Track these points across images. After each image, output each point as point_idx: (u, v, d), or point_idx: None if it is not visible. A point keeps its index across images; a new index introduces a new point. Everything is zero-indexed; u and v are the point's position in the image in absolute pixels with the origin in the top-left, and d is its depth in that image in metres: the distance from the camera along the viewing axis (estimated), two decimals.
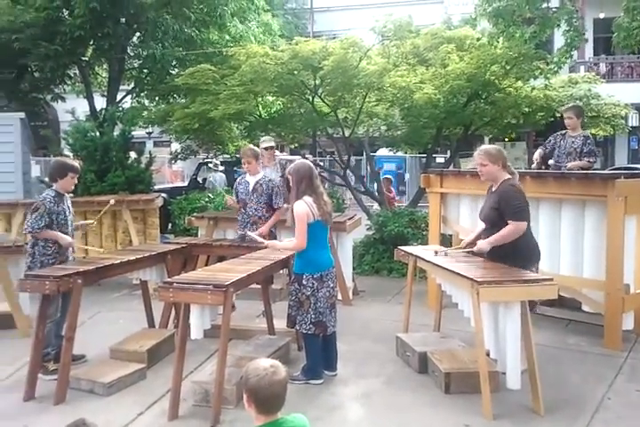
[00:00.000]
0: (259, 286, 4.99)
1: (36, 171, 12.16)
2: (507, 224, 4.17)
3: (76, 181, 4.92)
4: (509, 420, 3.72)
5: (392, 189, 12.52)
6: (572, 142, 6.24)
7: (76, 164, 4.88)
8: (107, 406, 4.01)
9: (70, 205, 4.91)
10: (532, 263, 4.33)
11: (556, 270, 5.12)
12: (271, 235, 5.87)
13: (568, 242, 5.12)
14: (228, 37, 12.19)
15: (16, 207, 7.12)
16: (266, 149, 6.96)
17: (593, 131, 9.62)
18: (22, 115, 8.45)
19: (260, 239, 4.75)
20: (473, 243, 4.51)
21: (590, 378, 4.34)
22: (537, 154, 6.60)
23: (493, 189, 4.38)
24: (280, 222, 5.87)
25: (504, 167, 4.31)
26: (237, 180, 6.08)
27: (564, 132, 6.40)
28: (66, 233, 4.72)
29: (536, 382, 3.79)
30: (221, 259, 5.53)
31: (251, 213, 5.78)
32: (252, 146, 6.21)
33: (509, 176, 4.32)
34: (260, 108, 9.53)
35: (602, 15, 16.07)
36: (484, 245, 4.24)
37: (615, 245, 4.78)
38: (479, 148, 4.47)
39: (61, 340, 4.47)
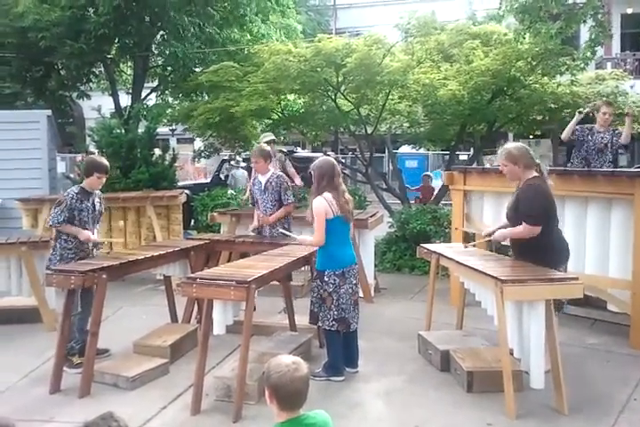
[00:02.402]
0: (279, 283, 5.01)
1: (61, 167, 12.33)
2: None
3: (104, 181, 4.90)
4: (533, 419, 3.68)
5: (432, 186, 12.46)
6: (602, 138, 6.20)
7: (106, 163, 4.88)
8: (130, 399, 4.05)
9: (98, 203, 4.92)
10: (562, 264, 4.24)
11: (582, 269, 5.05)
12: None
13: (594, 240, 5.05)
14: (249, 36, 12.24)
15: (42, 203, 7.23)
16: (267, 143, 7.05)
17: (619, 128, 9.49)
18: (49, 112, 8.57)
19: (293, 235, 4.75)
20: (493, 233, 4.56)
21: (616, 378, 4.28)
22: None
23: (520, 185, 4.32)
24: (300, 219, 5.89)
25: (527, 168, 4.16)
26: (251, 180, 6.15)
27: (590, 126, 6.34)
28: (88, 230, 4.74)
29: (560, 381, 3.75)
30: (243, 255, 5.55)
31: (264, 211, 5.83)
32: (262, 145, 6.24)
33: (535, 174, 4.16)
34: (282, 106, 9.54)
35: (629, 10, 15.83)
36: (498, 235, 4.29)
37: None
38: (503, 146, 4.41)
39: (85, 334, 4.53)
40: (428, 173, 14.04)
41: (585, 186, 5.05)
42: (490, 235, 4.53)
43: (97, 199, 4.92)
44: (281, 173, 6.01)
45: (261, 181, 5.85)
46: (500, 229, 4.47)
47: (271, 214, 5.76)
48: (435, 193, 12.54)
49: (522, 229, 4.11)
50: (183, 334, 4.92)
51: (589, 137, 6.29)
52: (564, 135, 6.69)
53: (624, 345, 4.88)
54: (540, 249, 4.11)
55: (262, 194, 5.81)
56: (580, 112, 6.56)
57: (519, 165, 4.16)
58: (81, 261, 4.63)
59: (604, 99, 7.32)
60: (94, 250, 4.97)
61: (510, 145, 4.39)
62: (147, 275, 6.16)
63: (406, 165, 18.49)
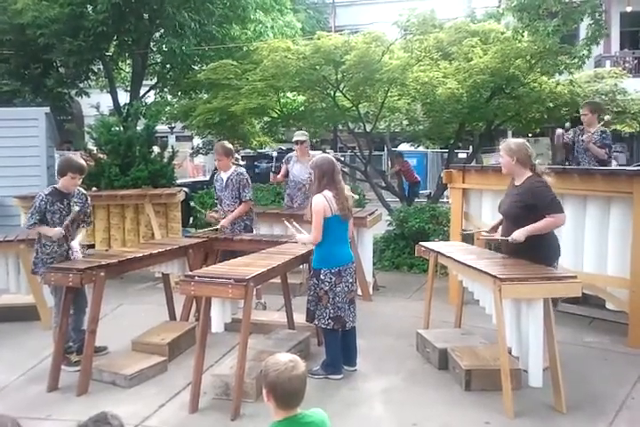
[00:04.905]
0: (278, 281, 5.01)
1: None
2: (532, 220, 4.11)
3: (79, 182, 4.67)
4: (530, 418, 3.68)
5: (406, 163, 12.47)
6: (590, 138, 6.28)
7: (81, 163, 4.63)
8: (128, 397, 4.05)
9: (77, 203, 4.68)
10: (555, 260, 4.31)
11: (580, 268, 5.06)
12: (247, 228, 5.90)
13: (592, 239, 5.05)
14: (249, 33, 12.23)
15: None
16: (297, 142, 6.99)
17: (619, 127, 9.50)
18: (47, 109, 8.53)
19: (296, 230, 4.62)
20: (496, 228, 4.55)
21: (614, 377, 4.28)
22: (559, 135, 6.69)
23: (517, 184, 4.32)
24: (299, 217, 5.88)
25: (521, 164, 4.23)
26: (215, 177, 6.18)
27: (582, 127, 6.51)
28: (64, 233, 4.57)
29: (558, 380, 3.75)
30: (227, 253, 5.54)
31: (225, 208, 5.90)
32: (224, 142, 6.18)
33: (531, 174, 4.23)
34: (281, 104, 9.53)
35: (629, 9, 15.76)
36: (519, 234, 4.10)
37: None
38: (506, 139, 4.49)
39: (82, 334, 4.53)
40: (397, 150, 14.15)
41: (584, 184, 5.05)
42: (494, 230, 4.56)
43: (75, 200, 4.68)
44: (242, 171, 6.02)
45: (223, 178, 5.91)
46: (498, 225, 4.52)
47: (231, 212, 5.82)
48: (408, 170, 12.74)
49: (551, 221, 4.08)
50: (181, 332, 4.92)
51: (579, 137, 6.46)
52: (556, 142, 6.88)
53: (622, 344, 4.88)
54: (541, 244, 4.15)
55: (223, 191, 5.88)
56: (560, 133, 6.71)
57: (513, 159, 4.25)
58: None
59: (588, 99, 7.43)
60: (73, 254, 4.73)
61: (513, 139, 4.47)
62: (145, 273, 6.16)
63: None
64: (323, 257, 4.30)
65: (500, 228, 4.51)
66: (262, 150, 15.18)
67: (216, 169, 14.12)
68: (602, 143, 6.26)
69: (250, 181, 5.98)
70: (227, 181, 5.86)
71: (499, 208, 4.52)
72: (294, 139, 7.06)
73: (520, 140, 4.50)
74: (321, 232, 4.20)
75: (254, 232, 6.06)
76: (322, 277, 4.27)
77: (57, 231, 4.53)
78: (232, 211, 5.84)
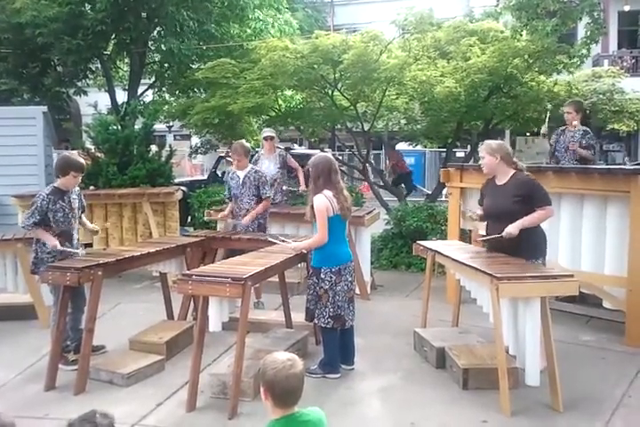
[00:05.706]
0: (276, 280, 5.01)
1: None
2: (524, 214, 4.15)
3: (79, 180, 4.70)
4: (527, 416, 3.69)
5: (398, 154, 12.49)
6: (572, 137, 6.45)
7: (82, 161, 4.66)
8: (126, 396, 4.05)
9: (76, 199, 4.70)
10: (544, 255, 4.35)
11: (577, 266, 5.07)
12: (260, 227, 5.90)
13: (589, 238, 5.06)
14: (248, 31, 12.22)
15: None
16: (265, 138, 7.07)
17: (616, 126, 9.53)
18: (45, 108, 8.51)
19: (282, 242, 4.69)
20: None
21: (611, 375, 4.29)
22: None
23: (500, 183, 4.36)
24: (298, 216, 5.89)
25: (506, 162, 4.32)
26: (229, 175, 6.15)
27: (563, 128, 6.59)
28: (66, 230, 4.59)
29: (555, 378, 3.75)
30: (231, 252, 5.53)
31: (242, 206, 5.91)
32: (243, 142, 6.18)
33: (515, 171, 4.32)
34: (280, 102, 9.54)
35: (627, 8, 15.77)
36: (514, 228, 4.13)
37: (638, 241, 4.71)
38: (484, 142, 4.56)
39: (79, 333, 4.52)
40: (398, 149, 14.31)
41: (581, 183, 5.05)
42: (484, 235, 4.56)
43: (74, 196, 4.71)
44: (259, 169, 6.03)
45: (239, 176, 5.92)
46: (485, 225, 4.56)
47: (248, 210, 5.82)
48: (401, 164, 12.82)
49: (543, 213, 4.18)
50: (179, 331, 4.92)
51: (561, 137, 6.56)
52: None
53: (619, 342, 4.89)
54: (531, 239, 4.21)
55: (240, 188, 5.88)
56: None
57: (496, 158, 4.31)
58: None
59: (576, 98, 7.49)
60: (76, 252, 4.69)
61: (491, 140, 4.56)
62: (143, 272, 6.16)
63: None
64: (323, 256, 4.30)
65: (485, 229, 4.55)
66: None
67: (214, 168, 14.17)
68: (587, 143, 6.33)
69: (268, 178, 6.03)
70: (244, 179, 5.87)
71: (486, 210, 4.52)
72: (263, 135, 7.22)
73: (498, 140, 4.61)
74: (327, 232, 4.20)
75: (267, 231, 6.06)
76: (322, 276, 4.27)
77: (54, 244, 4.48)
78: (250, 209, 5.84)
